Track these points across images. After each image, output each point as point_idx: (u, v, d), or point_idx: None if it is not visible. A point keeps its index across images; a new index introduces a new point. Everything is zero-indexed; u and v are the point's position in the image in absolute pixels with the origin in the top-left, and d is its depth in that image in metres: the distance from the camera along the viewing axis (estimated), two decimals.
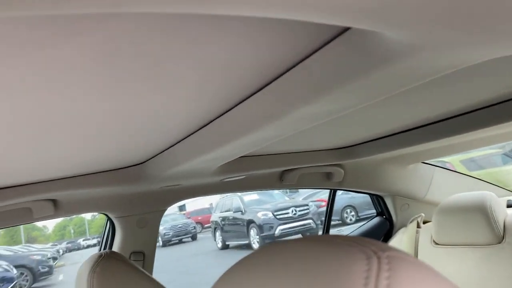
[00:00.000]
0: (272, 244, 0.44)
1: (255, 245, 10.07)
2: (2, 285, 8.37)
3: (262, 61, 0.63)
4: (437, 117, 1.38)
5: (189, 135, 1.06)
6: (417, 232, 2.04)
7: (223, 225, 11.50)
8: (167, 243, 14.05)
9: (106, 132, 0.90)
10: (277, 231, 9.91)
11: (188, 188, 1.67)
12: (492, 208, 1.67)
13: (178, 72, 0.61)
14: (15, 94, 0.57)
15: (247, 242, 10.47)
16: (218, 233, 11.71)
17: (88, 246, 20.88)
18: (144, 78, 0.61)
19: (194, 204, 18.57)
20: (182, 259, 10.20)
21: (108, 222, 1.70)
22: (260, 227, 10.07)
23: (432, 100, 1.12)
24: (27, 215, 1.38)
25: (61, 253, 17.78)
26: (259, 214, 10.33)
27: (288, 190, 13.93)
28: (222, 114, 0.90)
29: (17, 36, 0.41)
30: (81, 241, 22.09)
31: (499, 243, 1.66)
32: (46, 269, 10.55)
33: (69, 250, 20.52)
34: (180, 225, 14.58)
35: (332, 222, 2.38)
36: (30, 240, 23.33)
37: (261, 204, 11.01)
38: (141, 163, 1.35)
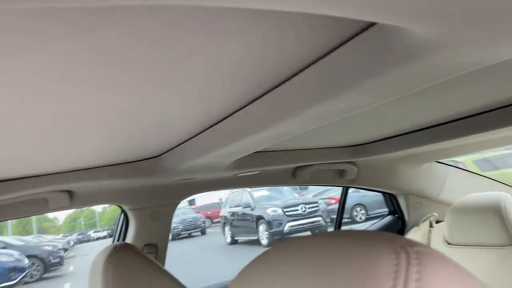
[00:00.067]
0: (293, 239, 0.44)
1: (264, 241, 10.10)
2: (14, 274, 8.49)
3: (281, 57, 0.62)
4: (452, 116, 1.37)
5: (205, 130, 1.06)
6: (429, 231, 2.03)
7: (232, 220, 11.54)
8: (176, 237, 14.14)
9: (123, 126, 0.90)
10: (286, 227, 9.91)
11: (202, 182, 1.68)
12: (507, 209, 1.65)
13: (195, 68, 0.61)
14: (36, 86, 0.58)
15: (255, 238, 10.49)
16: (227, 228, 11.75)
17: (98, 238, 21.14)
18: (161, 73, 0.61)
19: (203, 198, 18.66)
20: (191, 253, 10.26)
21: (122, 214, 1.72)
22: (269, 223, 10.09)
23: (447, 99, 1.11)
24: (43, 206, 1.40)
25: (71, 244, 18.01)
26: (269, 210, 10.34)
27: (297, 187, 13.93)
28: (239, 110, 0.90)
29: (42, 28, 0.41)
30: (92, 233, 22.37)
31: None
32: (57, 259, 10.70)
33: (80, 241, 20.79)
34: (189, 219, 14.67)
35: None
36: (42, 230, 23.66)
37: (270, 200, 11.02)
38: (157, 156, 1.35)
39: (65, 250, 13.34)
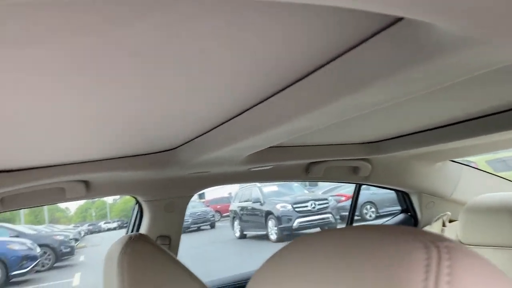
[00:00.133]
0: (315, 233, 0.44)
1: (273, 236, 10.12)
2: (26, 263, 8.62)
3: (304, 51, 0.62)
4: (467, 115, 1.35)
5: (222, 123, 1.07)
6: (442, 230, 2.02)
7: (242, 214, 11.58)
8: (185, 230, 14.20)
9: (140, 118, 0.91)
10: (295, 223, 9.92)
11: (216, 175, 1.69)
12: None
13: (216, 62, 0.61)
14: (54, 77, 0.58)
15: (264, 232, 10.51)
16: (236, 223, 11.79)
17: (109, 229, 21.34)
18: (180, 66, 0.61)
19: (213, 192, 18.71)
20: (201, 246, 10.31)
21: (137, 206, 1.74)
22: (278, 219, 10.10)
23: (463, 98, 1.10)
24: (60, 195, 1.42)
25: (82, 234, 18.20)
26: (278, 206, 10.35)
27: (307, 183, 13.91)
28: (259, 103, 0.90)
29: (69, 21, 0.41)
30: (102, 224, 22.60)
31: None
32: (68, 249, 10.83)
33: (90, 232, 21.00)
34: (199, 213, 14.73)
35: None
36: (53, 220, 23.98)
37: (280, 196, 11.03)
38: (173, 149, 1.36)
39: (76, 240, 13.49)
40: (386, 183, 2.14)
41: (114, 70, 0.59)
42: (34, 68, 0.53)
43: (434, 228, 2.05)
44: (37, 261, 8.99)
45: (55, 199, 1.44)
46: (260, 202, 11.03)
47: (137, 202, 1.72)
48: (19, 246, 8.76)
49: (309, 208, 10.21)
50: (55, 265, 10.23)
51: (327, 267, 0.37)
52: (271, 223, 10.35)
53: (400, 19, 0.52)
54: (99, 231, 21.49)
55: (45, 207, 19.19)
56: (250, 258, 7.74)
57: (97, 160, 1.33)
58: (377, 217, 10.88)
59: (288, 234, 9.79)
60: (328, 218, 10.20)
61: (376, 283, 0.32)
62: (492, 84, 0.97)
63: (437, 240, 0.33)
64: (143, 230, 1.67)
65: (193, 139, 1.24)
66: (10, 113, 0.72)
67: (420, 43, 0.51)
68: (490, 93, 1.07)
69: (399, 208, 2.41)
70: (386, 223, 2.42)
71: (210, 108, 0.92)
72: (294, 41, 0.57)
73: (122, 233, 1.83)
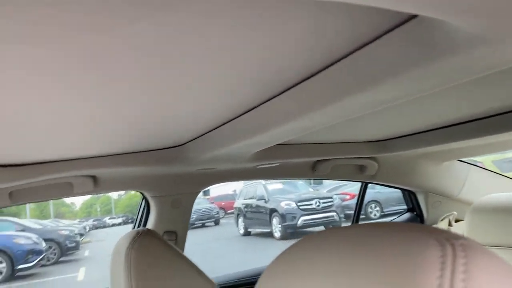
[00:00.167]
0: (326, 230, 0.44)
1: (277, 234, 10.12)
2: (32, 257, 8.67)
3: (315, 48, 0.62)
4: (476, 114, 1.34)
5: (230, 120, 1.07)
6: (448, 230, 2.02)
7: (246, 212, 11.59)
8: (190, 226, 14.08)
9: (148, 114, 0.91)
10: (300, 221, 9.91)
11: (223, 172, 1.69)
12: None
13: (225, 59, 0.61)
14: (63, 74, 0.58)
15: (269, 230, 10.52)
16: (240, 220, 11.81)
17: (113, 225, 21.45)
18: (190, 64, 0.61)
19: (218, 189, 18.75)
20: (205, 243, 10.34)
21: (143, 201, 1.74)
22: (283, 217, 10.10)
23: (471, 98, 1.10)
24: (68, 190, 1.43)
25: (87, 229, 18.30)
26: (282, 204, 10.35)
27: (312, 182, 13.88)
28: (267, 101, 0.90)
29: (80, 20, 0.42)
30: (107, 219, 22.72)
31: None
32: (73, 244, 10.89)
33: (95, 227, 21.13)
34: (203, 210, 14.76)
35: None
36: (59, 215, 24.13)
37: (284, 194, 11.02)
38: (180, 145, 1.37)
39: (81, 235, 13.56)
40: (392, 181, 2.14)
41: (122, 68, 0.59)
42: (44, 65, 0.53)
43: (440, 227, 2.05)
44: (42, 256, 9.05)
45: (63, 193, 1.45)
46: (264, 199, 11.03)
47: (144, 197, 1.72)
48: (24, 240, 8.81)
49: (313, 206, 10.20)
50: (60, 259, 10.29)
51: (338, 264, 0.37)
52: (275, 220, 10.36)
53: (413, 16, 0.51)
54: (104, 227, 21.60)
55: (51, 202, 19.30)
56: (255, 255, 7.78)
57: (105, 156, 1.33)
58: (381, 216, 10.86)
59: (292, 232, 9.80)
60: (332, 216, 10.19)
61: (391, 279, 0.32)
62: (501, 83, 0.97)
63: (452, 237, 0.33)
64: (149, 225, 1.68)
65: (201, 135, 1.24)
66: (20, 108, 0.72)
67: (434, 41, 0.50)
68: (499, 92, 1.06)
69: (404, 207, 2.41)
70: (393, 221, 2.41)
71: (218, 105, 0.91)
72: (305, 39, 0.57)
73: (127, 228, 1.84)
